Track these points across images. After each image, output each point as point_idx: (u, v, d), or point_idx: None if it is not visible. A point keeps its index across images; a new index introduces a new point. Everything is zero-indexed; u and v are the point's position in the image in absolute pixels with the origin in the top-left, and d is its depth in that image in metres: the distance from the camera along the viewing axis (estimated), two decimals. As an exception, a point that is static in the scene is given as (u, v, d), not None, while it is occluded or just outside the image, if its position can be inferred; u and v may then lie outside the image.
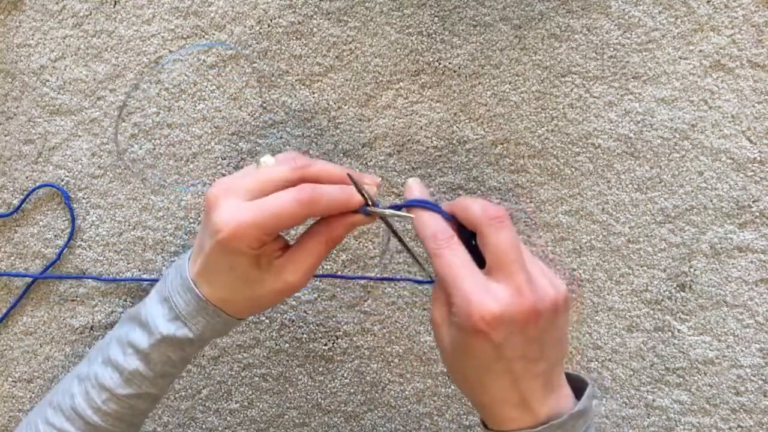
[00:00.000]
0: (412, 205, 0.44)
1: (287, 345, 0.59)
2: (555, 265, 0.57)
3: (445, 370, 0.44)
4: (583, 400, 0.40)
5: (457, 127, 0.56)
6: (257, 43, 0.56)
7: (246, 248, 0.42)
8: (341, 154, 0.57)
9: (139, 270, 0.58)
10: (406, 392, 0.59)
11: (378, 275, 0.57)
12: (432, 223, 0.42)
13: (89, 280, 0.58)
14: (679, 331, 0.57)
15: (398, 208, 0.45)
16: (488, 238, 0.40)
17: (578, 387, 0.42)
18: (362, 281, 0.58)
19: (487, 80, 0.56)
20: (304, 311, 0.58)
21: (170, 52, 0.57)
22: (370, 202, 0.44)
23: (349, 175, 0.43)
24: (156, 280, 0.58)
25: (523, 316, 0.38)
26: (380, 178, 0.46)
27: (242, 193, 0.43)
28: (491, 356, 0.39)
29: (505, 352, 0.38)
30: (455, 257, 0.40)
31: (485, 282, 0.39)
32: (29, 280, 0.58)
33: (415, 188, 0.45)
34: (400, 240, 0.47)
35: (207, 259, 0.44)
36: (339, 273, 0.58)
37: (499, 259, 0.39)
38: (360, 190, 0.44)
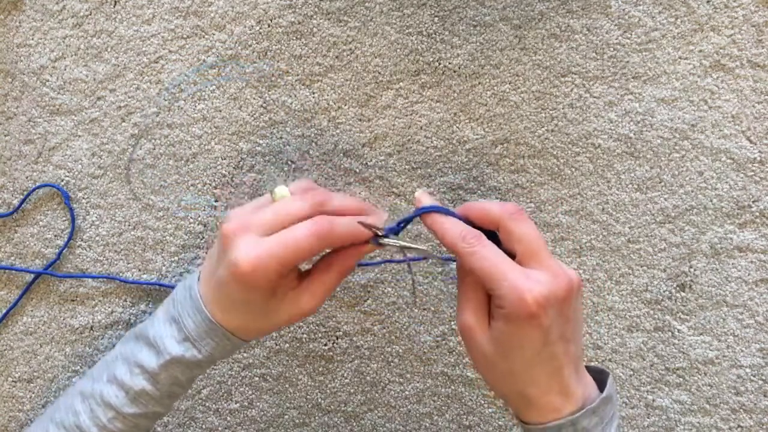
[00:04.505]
0: (425, 211, 0.44)
1: (287, 345, 0.59)
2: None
3: (481, 375, 0.44)
4: (608, 386, 0.42)
5: (457, 127, 0.56)
6: (257, 43, 0.56)
7: (264, 282, 0.42)
8: (341, 154, 0.57)
9: (139, 270, 0.58)
10: (406, 392, 0.59)
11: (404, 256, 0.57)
12: (455, 226, 0.43)
13: (89, 279, 0.58)
14: (679, 331, 0.57)
15: (410, 218, 0.46)
16: (514, 231, 0.42)
17: (597, 378, 0.44)
18: (362, 281, 0.58)
19: (487, 80, 0.56)
20: (304, 311, 0.58)
21: (170, 52, 0.57)
22: (380, 234, 0.45)
23: (360, 222, 0.44)
24: (158, 284, 0.58)
25: (563, 294, 0.40)
26: (387, 215, 0.47)
27: (260, 230, 0.43)
28: (540, 341, 0.40)
29: (551, 335, 0.40)
30: (490, 252, 0.41)
31: (524, 270, 0.41)
32: (29, 279, 0.58)
33: (425, 199, 0.45)
34: (410, 268, 0.48)
35: (222, 292, 0.44)
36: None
37: (529, 248, 0.42)
38: (371, 228, 0.44)
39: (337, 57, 0.56)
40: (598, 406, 0.41)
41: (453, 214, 0.44)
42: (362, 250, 0.46)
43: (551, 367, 0.41)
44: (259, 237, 0.43)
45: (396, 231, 0.46)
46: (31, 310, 0.59)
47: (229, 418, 0.60)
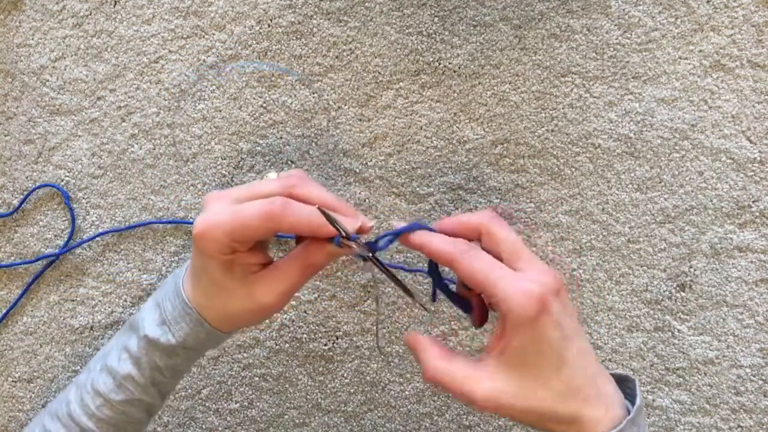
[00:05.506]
0: (406, 230, 0.43)
1: (287, 345, 0.59)
2: (555, 265, 0.57)
3: (528, 422, 0.41)
4: (638, 395, 0.41)
5: (457, 127, 0.56)
6: (257, 43, 0.56)
7: (215, 252, 0.42)
8: (341, 154, 0.57)
9: (139, 270, 0.58)
10: (406, 392, 0.59)
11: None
12: (443, 237, 0.43)
13: (89, 279, 0.58)
14: (679, 331, 0.57)
15: (390, 236, 0.44)
16: (498, 234, 0.42)
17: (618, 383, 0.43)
18: (362, 281, 0.58)
19: (487, 80, 0.56)
20: (304, 311, 0.58)
21: (170, 52, 0.57)
22: (343, 234, 0.42)
23: (319, 208, 0.41)
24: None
25: (557, 286, 0.40)
26: (372, 223, 0.44)
27: (229, 200, 0.43)
28: (558, 336, 0.39)
29: (565, 327, 0.40)
30: (485, 255, 0.41)
31: (515, 272, 0.41)
32: (29, 280, 0.58)
33: (402, 224, 0.44)
34: (386, 270, 0.44)
35: (192, 258, 0.45)
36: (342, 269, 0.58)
37: (514, 249, 0.42)
38: (332, 223, 0.41)
39: (337, 57, 0.56)
40: (638, 413, 0.40)
41: (433, 230, 0.43)
42: (327, 249, 0.43)
43: (578, 361, 0.40)
44: (225, 206, 0.42)
45: (374, 249, 0.43)
46: (31, 310, 0.59)
47: (229, 418, 0.60)
